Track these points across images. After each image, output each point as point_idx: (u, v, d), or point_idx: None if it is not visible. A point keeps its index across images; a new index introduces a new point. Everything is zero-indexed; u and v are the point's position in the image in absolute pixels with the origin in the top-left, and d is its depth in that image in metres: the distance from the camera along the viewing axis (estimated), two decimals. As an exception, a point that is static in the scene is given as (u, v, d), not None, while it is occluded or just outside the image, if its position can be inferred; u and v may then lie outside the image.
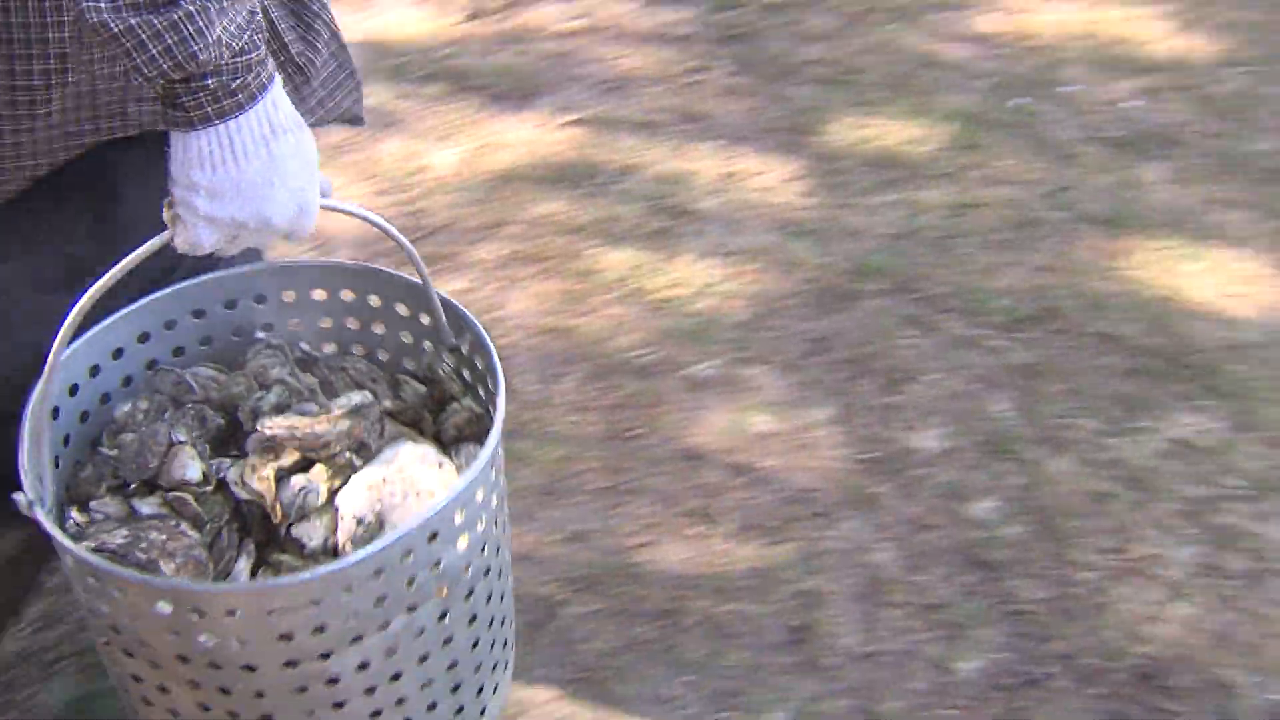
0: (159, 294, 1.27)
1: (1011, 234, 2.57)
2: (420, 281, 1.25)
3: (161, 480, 1.22)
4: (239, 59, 1.01)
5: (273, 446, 1.22)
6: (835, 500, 1.95)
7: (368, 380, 1.37)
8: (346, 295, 1.38)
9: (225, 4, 0.98)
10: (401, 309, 1.37)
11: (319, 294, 1.39)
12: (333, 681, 1.11)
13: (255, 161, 1.04)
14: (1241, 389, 2.18)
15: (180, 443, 1.23)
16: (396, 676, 1.15)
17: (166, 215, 1.08)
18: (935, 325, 2.31)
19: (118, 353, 1.30)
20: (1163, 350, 2.25)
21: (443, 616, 1.16)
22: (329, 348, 1.44)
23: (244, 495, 1.21)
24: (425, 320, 1.35)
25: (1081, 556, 1.85)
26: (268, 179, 1.05)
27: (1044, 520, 1.91)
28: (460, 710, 1.25)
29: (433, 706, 1.21)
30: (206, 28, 0.97)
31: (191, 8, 0.96)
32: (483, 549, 1.18)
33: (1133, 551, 1.86)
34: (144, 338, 1.32)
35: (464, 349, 1.33)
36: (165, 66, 0.98)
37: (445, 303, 1.31)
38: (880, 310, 2.36)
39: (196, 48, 0.97)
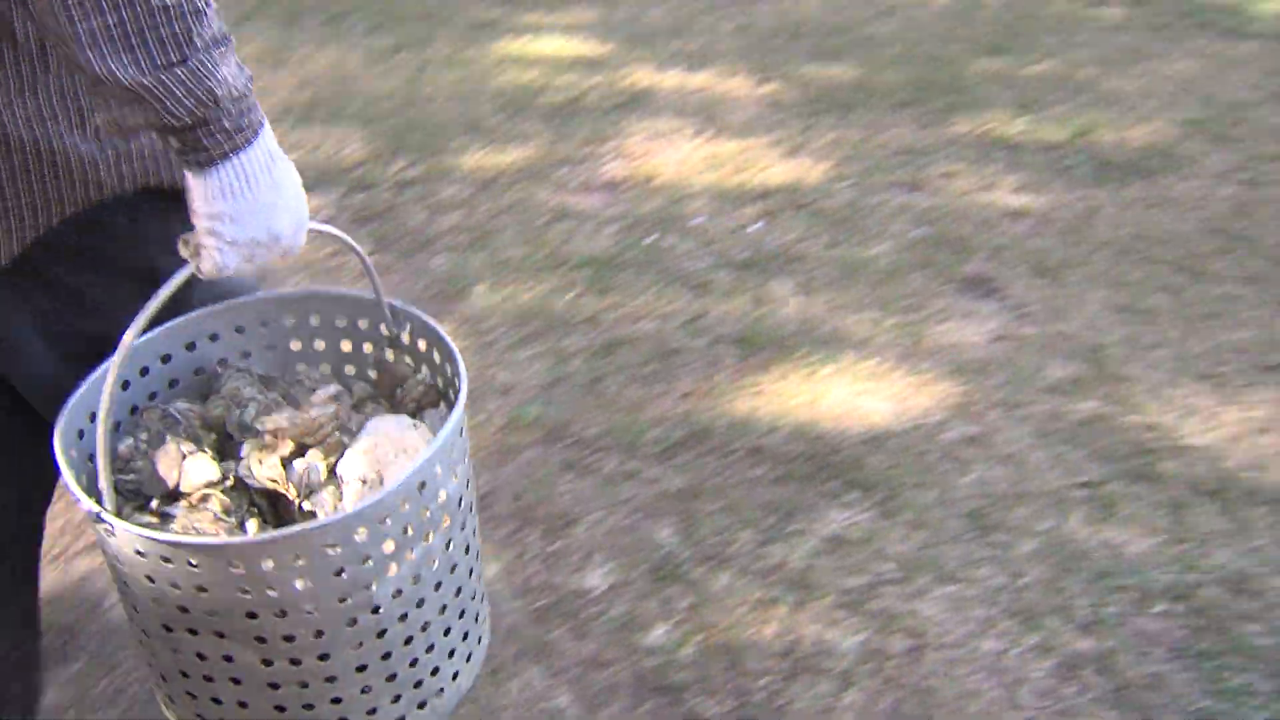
0: (136, 342, 1.33)
1: (656, 366, 2.65)
2: (369, 292, 1.48)
3: (183, 488, 1.37)
4: (241, 101, 1.16)
5: (273, 441, 1.41)
6: (511, 654, 1.93)
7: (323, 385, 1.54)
8: (288, 320, 1.56)
9: (221, 51, 1.13)
10: (340, 321, 1.56)
11: (264, 329, 1.56)
12: (375, 610, 1.28)
13: (264, 187, 1.21)
14: (883, 478, 2.29)
15: (191, 453, 1.40)
16: (421, 603, 1.33)
17: (186, 250, 1.23)
18: (592, 466, 2.35)
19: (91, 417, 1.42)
20: (807, 454, 2.35)
21: (448, 545, 1.35)
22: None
23: (258, 484, 1.38)
24: (362, 324, 1.54)
25: (755, 664, 1.88)
26: (273, 201, 1.22)
27: (715, 637, 1.94)
28: (465, 637, 1.43)
29: (447, 631, 1.39)
30: (215, 71, 1.13)
31: (202, 57, 1.11)
32: (467, 484, 1.37)
33: (801, 650, 1.91)
34: (125, 385, 1.46)
35: (404, 337, 1.53)
36: (190, 106, 1.12)
37: (391, 303, 1.51)
38: (537, 460, 2.38)
39: (214, 86, 1.12)
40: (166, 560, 1.25)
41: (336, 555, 1.25)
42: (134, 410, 1.49)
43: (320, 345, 1.59)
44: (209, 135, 1.16)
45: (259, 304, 1.56)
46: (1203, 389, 2.67)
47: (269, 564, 1.23)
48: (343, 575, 1.26)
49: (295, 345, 1.58)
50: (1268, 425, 2.57)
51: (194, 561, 1.24)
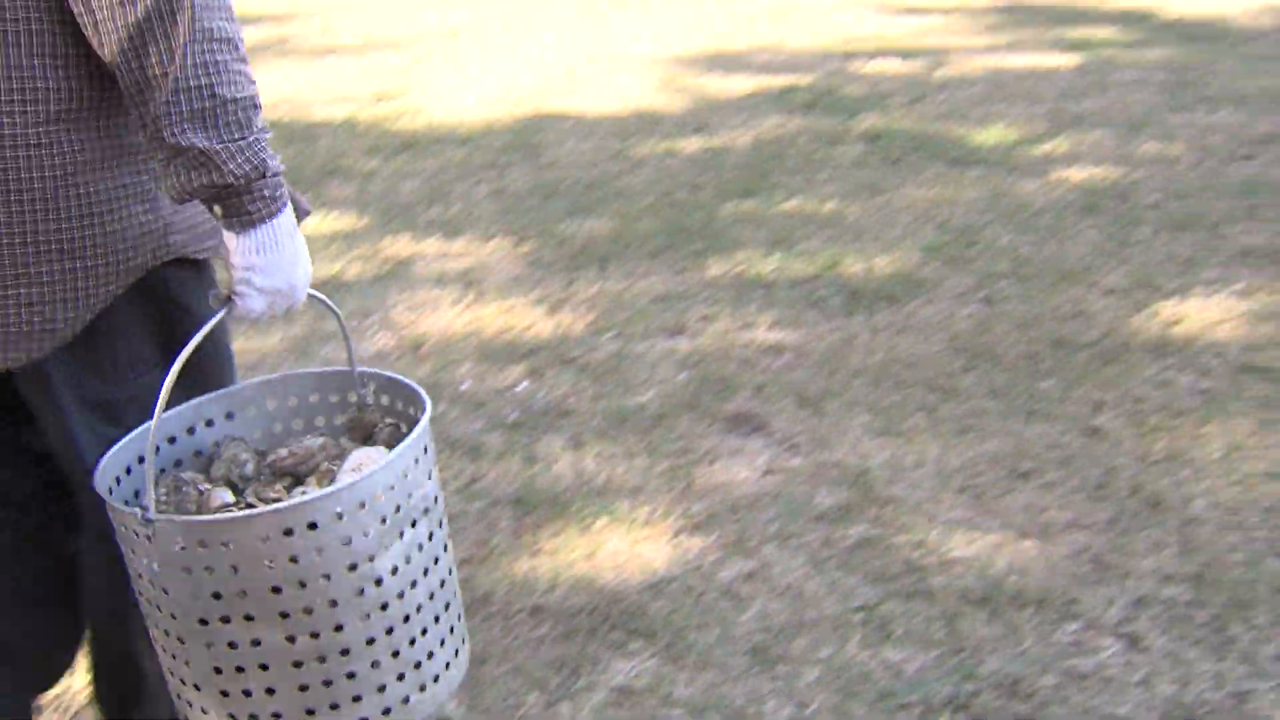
0: (146, 425, 1.63)
1: (433, 535, 2.63)
2: (336, 366, 1.83)
3: (208, 507, 1.63)
4: (277, 177, 1.50)
5: (271, 479, 1.70)
6: None
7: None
8: (271, 403, 1.82)
9: (268, 138, 1.48)
10: (313, 397, 1.83)
11: (253, 411, 1.82)
12: (378, 582, 1.52)
13: (289, 246, 1.54)
14: (665, 624, 2.31)
15: (207, 488, 1.67)
16: (414, 584, 1.57)
17: (216, 301, 1.53)
18: (373, 644, 2.31)
19: (126, 470, 1.67)
20: (589, 608, 2.36)
21: (430, 537, 1.60)
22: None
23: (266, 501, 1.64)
24: (333, 398, 1.82)
25: (551, 832, 1.86)
26: (294, 260, 1.55)
27: (509, 807, 1.91)
28: (452, 631, 1.67)
29: (437, 619, 1.62)
30: (264, 149, 1.47)
31: (257, 136, 1.46)
32: (436, 498, 1.62)
33: (596, 811, 1.89)
34: (140, 459, 1.68)
35: (369, 398, 1.80)
36: (246, 170, 1.44)
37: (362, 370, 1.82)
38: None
39: (265, 159, 1.47)
40: (203, 545, 1.50)
41: (344, 525, 1.51)
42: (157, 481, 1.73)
43: (299, 425, 1.86)
44: (252, 201, 1.50)
45: (246, 389, 1.83)
46: (963, 502, 2.79)
47: (289, 536, 1.48)
48: (350, 545, 1.52)
49: (278, 427, 1.84)
50: (1025, 530, 2.69)
51: (227, 540, 1.49)
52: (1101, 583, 2.52)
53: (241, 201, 1.50)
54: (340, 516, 1.50)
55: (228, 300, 1.57)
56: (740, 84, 5.37)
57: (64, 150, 1.57)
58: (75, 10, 1.50)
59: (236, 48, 1.51)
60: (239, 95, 1.49)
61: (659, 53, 5.84)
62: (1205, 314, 3.67)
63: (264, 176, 1.49)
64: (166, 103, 1.46)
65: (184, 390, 1.71)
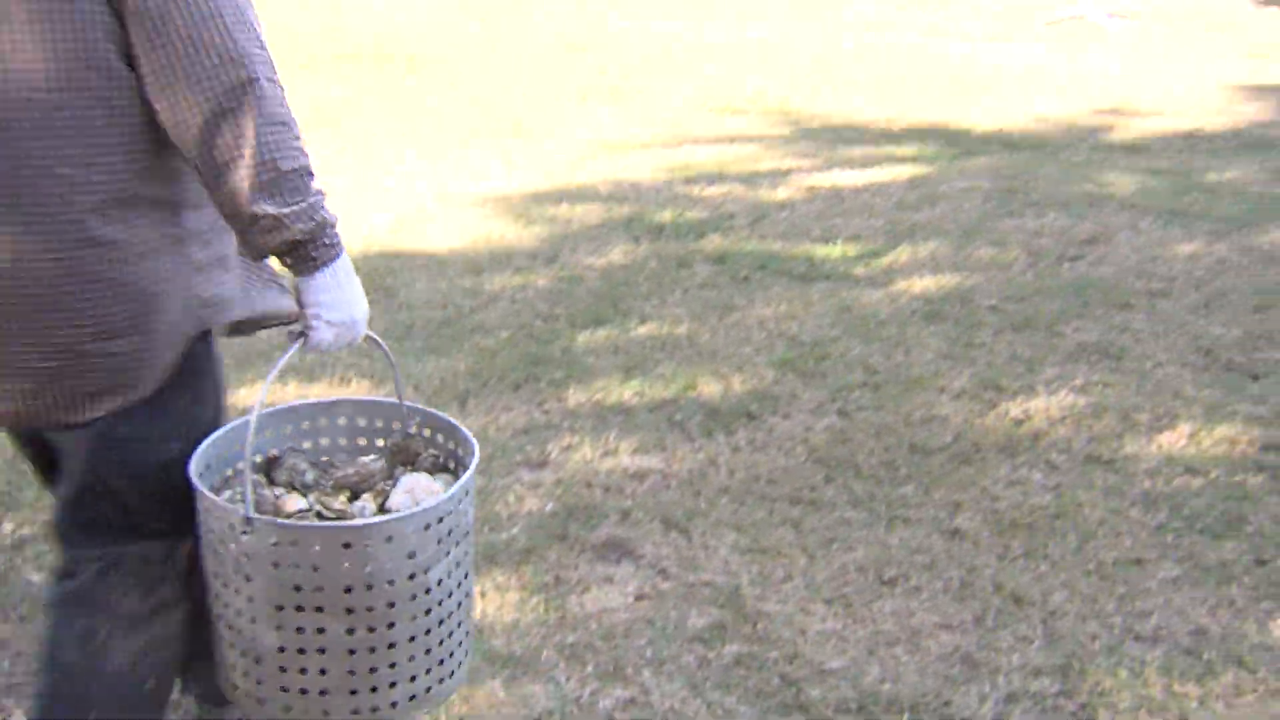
0: (227, 427, 2.03)
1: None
2: (384, 398, 2.23)
3: (285, 510, 1.94)
4: (333, 227, 1.85)
5: (334, 491, 2.05)
6: None
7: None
8: (323, 420, 2.17)
9: (323, 196, 1.83)
10: (361, 421, 2.18)
11: (307, 425, 2.18)
12: (428, 591, 1.83)
13: (349, 284, 1.88)
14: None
15: (281, 493, 2.01)
16: (450, 594, 1.90)
17: (292, 336, 1.86)
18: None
19: (206, 469, 1.97)
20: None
21: (465, 555, 1.96)
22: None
23: (330, 515, 1.93)
24: (379, 423, 2.18)
25: None
26: (354, 295, 1.89)
27: None
28: (466, 636, 2.03)
29: (459, 625, 1.98)
30: (322, 206, 1.83)
31: (314, 199, 1.81)
32: (470, 527, 1.95)
33: None
34: (208, 466, 2.00)
35: (413, 429, 2.14)
36: (309, 227, 1.79)
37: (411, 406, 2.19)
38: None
39: (324, 215, 1.83)
40: (294, 544, 1.80)
41: (412, 540, 1.83)
42: (225, 480, 2.06)
43: (344, 442, 2.20)
44: (316, 249, 1.84)
45: (303, 408, 2.19)
46: (833, 612, 2.83)
47: (367, 545, 1.80)
48: (414, 558, 1.84)
49: (324, 441, 2.19)
50: (895, 636, 2.74)
51: (315, 543, 1.81)
52: (972, 681, 2.58)
53: (307, 251, 1.84)
54: (410, 534, 1.83)
55: (301, 335, 1.89)
56: (588, 215, 5.48)
57: (118, 235, 1.84)
58: (158, 106, 1.80)
59: (290, 127, 1.83)
60: (296, 166, 1.82)
61: (505, 189, 5.93)
62: (1049, 411, 3.82)
63: (323, 229, 1.85)
64: (240, 179, 1.79)
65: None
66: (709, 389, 3.97)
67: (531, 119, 6.73)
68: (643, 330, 4.38)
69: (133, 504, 1.98)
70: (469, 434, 2.07)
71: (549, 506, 3.30)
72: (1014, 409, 3.85)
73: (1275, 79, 7.76)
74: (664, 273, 4.86)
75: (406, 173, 6.17)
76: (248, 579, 1.85)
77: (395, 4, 10.75)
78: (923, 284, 4.77)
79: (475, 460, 1.98)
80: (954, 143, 6.62)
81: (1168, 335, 4.33)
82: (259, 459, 2.09)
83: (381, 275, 4.92)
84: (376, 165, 6.31)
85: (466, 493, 1.94)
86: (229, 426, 2.03)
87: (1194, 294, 4.66)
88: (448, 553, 1.90)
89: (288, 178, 1.81)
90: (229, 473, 2.05)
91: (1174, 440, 3.66)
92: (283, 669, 1.89)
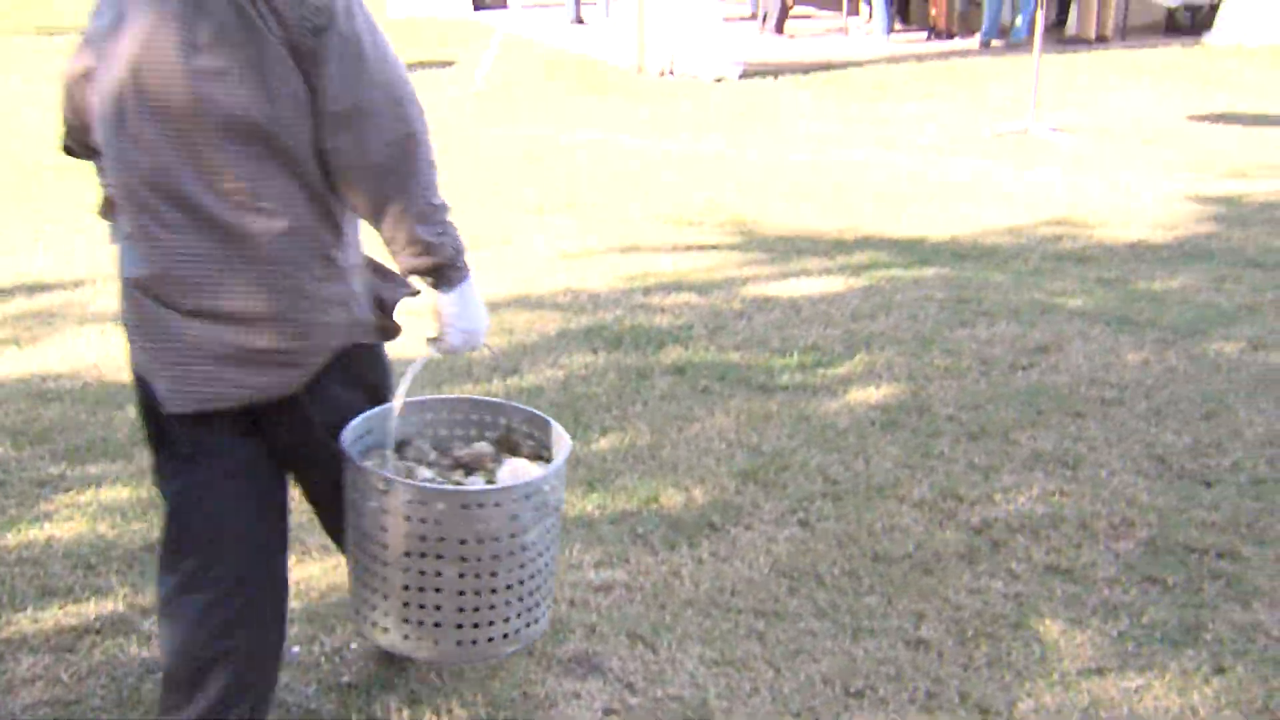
0: (369, 413, 2.58)
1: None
2: (493, 398, 2.85)
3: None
4: (465, 252, 2.42)
5: (455, 465, 2.64)
6: None
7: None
8: (444, 413, 2.75)
9: (456, 227, 2.40)
10: (473, 415, 2.75)
11: (429, 416, 2.78)
12: (524, 548, 2.36)
13: (475, 299, 2.45)
14: None
15: (412, 465, 2.60)
16: (540, 554, 2.42)
17: (430, 343, 2.44)
18: None
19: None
20: None
21: (554, 526, 2.47)
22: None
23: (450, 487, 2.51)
24: (488, 418, 2.75)
25: None
26: (479, 310, 2.46)
27: None
28: (547, 596, 2.56)
29: (545, 583, 2.51)
30: (457, 234, 2.41)
31: (453, 230, 2.40)
32: (560, 503, 2.48)
33: None
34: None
35: (512, 423, 2.71)
36: (450, 253, 2.36)
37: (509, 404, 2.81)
38: None
39: (460, 242, 2.40)
40: (423, 503, 2.33)
41: (514, 506, 2.35)
42: (364, 453, 2.56)
43: (459, 432, 2.79)
44: (453, 269, 2.41)
45: (428, 403, 2.78)
46: (801, 726, 2.83)
47: (491, 508, 2.32)
48: (517, 520, 2.36)
49: (444, 433, 2.78)
50: (864, 749, 2.74)
51: (442, 503, 2.34)
52: (942, 795, 2.58)
53: (446, 272, 2.41)
54: (513, 502, 2.37)
55: (436, 340, 2.47)
56: (546, 325, 5.52)
57: (292, 258, 2.36)
58: (331, 145, 2.32)
59: (434, 164, 2.38)
60: (441, 201, 2.40)
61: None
62: (1008, 520, 3.87)
63: (460, 254, 2.43)
64: (403, 211, 2.34)
65: (369, 400, 2.62)
66: (671, 500, 3.99)
67: (488, 229, 6.80)
68: (604, 442, 4.40)
69: None
70: (563, 430, 2.62)
71: (514, 621, 3.29)
72: (973, 517, 3.89)
73: (1214, 191, 7.98)
74: (624, 384, 4.90)
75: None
76: (382, 529, 2.38)
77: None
78: (880, 393, 4.84)
79: (566, 452, 2.54)
80: (906, 253, 6.74)
81: (1121, 443, 4.41)
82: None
83: (342, 387, 4.92)
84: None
85: (558, 475, 2.49)
86: (371, 412, 2.56)
87: (1145, 402, 4.75)
88: (539, 521, 2.43)
89: (438, 211, 2.39)
90: (366, 449, 2.58)
91: (1131, 549, 3.71)
92: (405, 604, 2.41)
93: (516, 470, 2.59)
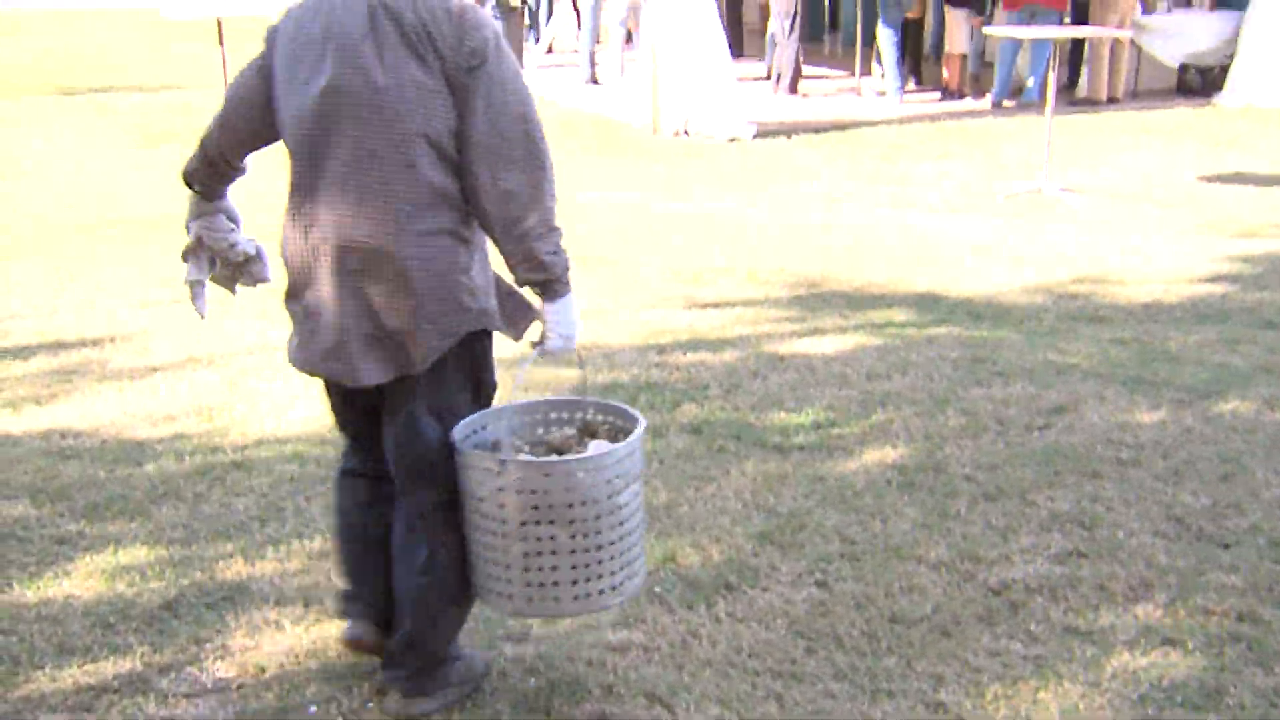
0: (480, 414, 3.11)
1: None
2: (569, 396, 3.36)
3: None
4: (570, 269, 2.93)
5: (549, 449, 3.13)
6: None
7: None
8: (539, 415, 3.26)
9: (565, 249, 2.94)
10: (554, 414, 3.25)
11: (525, 416, 3.24)
12: (619, 508, 2.82)
13: (574, 310, 2.96)
14: None
15: (513, 453, 3.03)
16: (633, 515, 2.91)
17: (534, 344, 2.96)
18: None
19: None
20: None
21: (638, 491, 2.94)
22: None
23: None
24: (566, 415, 3.24)
25: None
26: (576, 319, 2.97)
27: None
28: (639, 556, 3.04)
29: (635, 544, 2.99)
30: (565, 254, 2.93)
31: (563, 252, 2.92)
32: (640, 471, 2.95)
33: None
34: (463, 438, 3.06)
35: (588, 414, 3.20)
36: (560, 270, 2.88)
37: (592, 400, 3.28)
38: None
39: (568, 260, 2.93)
40: (533, 476, 2.83)
41: (609, 471, 2.82)
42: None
43: (540, 431, 3.23)
44: (560, 284, 2.89)
45: (513, 409, 3.17)
46: (821, 789, 2.82)
47: (589, 473, 2.76)
48: (611, 483, 2.81)
49: (540, 432, 3.23)
50: (884, 813, 2.73)
51: (548, 473, 2.79)
52: None
53: (555, 285, 2.92)
54: (607, 467, 2.82)
55: (541, 342, 2.96)
56: (562, 383, 5.54)
57: (437, 254, 2.89)
58: (472, 168, 2.87)
59: (555, 194, 2.89)
60: (557, 225, 2.90)
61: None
62: (1026, 581, 3.86)
63: (567, 270, 2.93)
64: (526, 232, 2.85)
65: (474, 400, 3.11)
66: (688, 560, 3.99)
67: (506, 289, 6.83)
68: (621, 501, 4.41)
69: None
70: (636, 412, 3.08)
71: (532, 682, 3.29)
72: (992, 579, 3.88)
73: (1227, 251, 8.00)
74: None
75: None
76: (501, 506, 2.82)
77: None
78: (896, 453, 4.84)
79: (642, 426, 3.01)
80: (920, 312, 6.76)
81: (1139, 504, 4.40)
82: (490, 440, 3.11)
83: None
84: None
85: (637, 444, 2.96)
86: (476, 415, 3.07)
87: (1162, 462, 4.74)
88: (628, 485, 2.89)
89: (555, 232, 2.89)
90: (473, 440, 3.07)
91: (1150, 611, 3.70)
92: (526, 569, 2.84)
93: (600, 447, 3.01)
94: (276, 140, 3.07)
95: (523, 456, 3.00)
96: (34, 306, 6.82)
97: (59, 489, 4.55)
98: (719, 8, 12.72)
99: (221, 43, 12.65)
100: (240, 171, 3.28)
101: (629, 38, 14.42)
